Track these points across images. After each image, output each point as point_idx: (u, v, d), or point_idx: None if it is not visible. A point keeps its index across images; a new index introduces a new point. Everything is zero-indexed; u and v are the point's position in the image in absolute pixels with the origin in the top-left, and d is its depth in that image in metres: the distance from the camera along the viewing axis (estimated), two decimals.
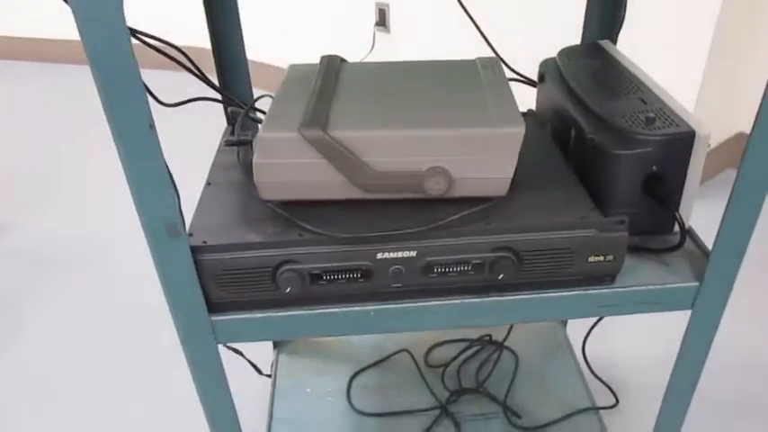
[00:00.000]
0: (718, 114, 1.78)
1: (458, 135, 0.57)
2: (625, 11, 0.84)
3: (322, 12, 2.28)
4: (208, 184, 0.68)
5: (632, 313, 0.63)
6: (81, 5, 0.42)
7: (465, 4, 0.86)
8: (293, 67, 0.71)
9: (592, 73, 0.75)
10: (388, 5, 2.09)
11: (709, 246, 0.62)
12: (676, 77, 1.62)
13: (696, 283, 0.62)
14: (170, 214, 0.53)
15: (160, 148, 0.49)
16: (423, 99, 0.63)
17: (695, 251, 0.66)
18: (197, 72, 0.76)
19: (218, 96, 0.84)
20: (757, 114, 0.53)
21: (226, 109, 0.86)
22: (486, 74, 0.68)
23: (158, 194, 0.51)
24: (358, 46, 2.23)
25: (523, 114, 0.87)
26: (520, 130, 0.57)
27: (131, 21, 0.47)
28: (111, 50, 0.44)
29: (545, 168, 0.68)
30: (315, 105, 0.61)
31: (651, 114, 0.63)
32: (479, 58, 0.72)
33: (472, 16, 0.86)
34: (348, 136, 0.57)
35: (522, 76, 0.89)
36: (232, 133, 0.81)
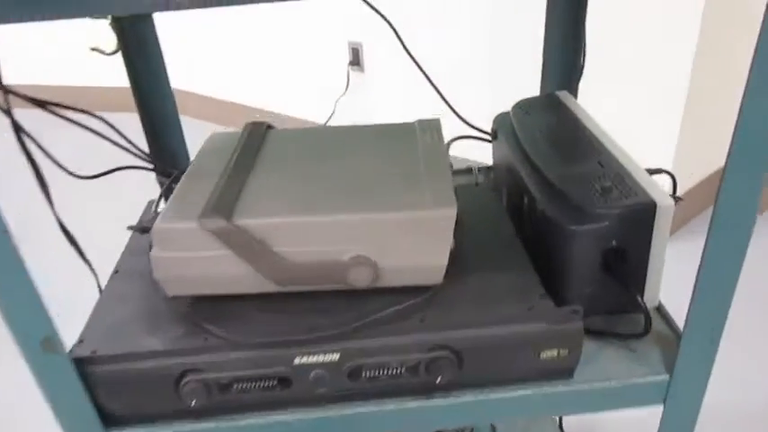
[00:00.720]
0: (701, 147, 1.71)
1: (380, 220, 0.50)
2: (584, 59, 0.78)
3: (296, 54, 2.23)
4: (115, 272, 0.60)
5: (595, 411, 0.55)
6: None
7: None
8: (212, 138, 0.64)
9: (546, 131, 0.68)
10: (361, 45, 2.04)
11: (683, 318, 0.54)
12: (657, 109, 1.56)
13: (666, 376, 0.54)
14: (44, 329, 0.45)
15: (20, 258, 0.42)
16: (347, 175, 0.56)
17: (666, 332, 0.59)
18: (123, 143, 0.70)
19: (146, 164, 0.77)
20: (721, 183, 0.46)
21: (157, 175, 0.79)
22: (425, 140, 0.61)
23: (27, 309, 0.44)
24: (333, 86, 2.18)
25: (479, 170, 0.80)
26: (450, 213, 0.49)
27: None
28: None
29: (492, 245, 0.60)
30: (224, 187, 0.54)
31: (608, 183, 0.56)
32: (419, 121, 0.65)
33: (428, 74, 0.80)
34: (255, 224, 0.50)
35: (480, 130, 0.82)
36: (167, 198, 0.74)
